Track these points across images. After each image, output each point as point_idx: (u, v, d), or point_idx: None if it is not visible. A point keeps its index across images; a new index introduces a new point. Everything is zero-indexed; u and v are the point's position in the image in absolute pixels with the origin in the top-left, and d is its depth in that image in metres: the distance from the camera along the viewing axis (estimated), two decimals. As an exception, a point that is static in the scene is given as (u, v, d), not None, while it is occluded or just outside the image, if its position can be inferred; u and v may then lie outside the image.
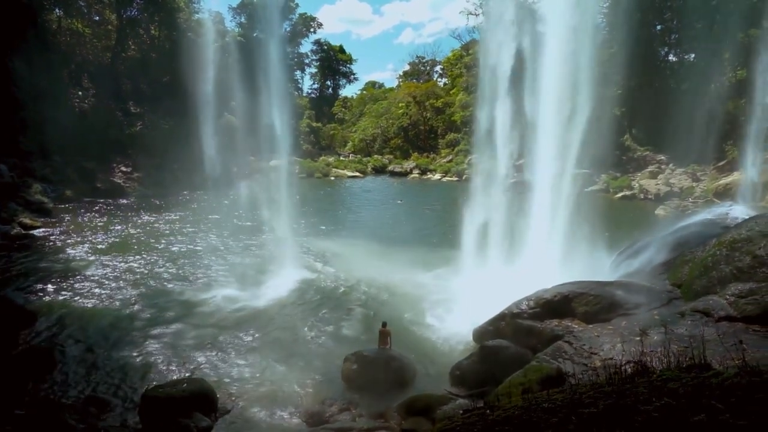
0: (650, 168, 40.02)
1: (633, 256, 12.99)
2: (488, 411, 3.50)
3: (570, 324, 9.62)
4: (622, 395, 3.05)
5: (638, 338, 7.52)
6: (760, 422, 2.31)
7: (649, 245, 12.90)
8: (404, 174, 59.04)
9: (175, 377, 9.17)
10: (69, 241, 20.05)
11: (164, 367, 9.87)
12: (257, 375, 9.70)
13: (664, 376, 3.36)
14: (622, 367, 4.20)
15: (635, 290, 10.17)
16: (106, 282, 15.07)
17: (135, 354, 10.38)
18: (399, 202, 39.05)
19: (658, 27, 44.92)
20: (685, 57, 44.73)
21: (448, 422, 3.56)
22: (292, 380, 9.54)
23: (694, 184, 36.02)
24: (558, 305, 10.04)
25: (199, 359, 10.25)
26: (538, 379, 6.42)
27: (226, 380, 9.39)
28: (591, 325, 9.31)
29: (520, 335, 9.97)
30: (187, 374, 9.48)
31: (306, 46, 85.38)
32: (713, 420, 2.41)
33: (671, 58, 46.15)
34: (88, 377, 9.35)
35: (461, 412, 4.61)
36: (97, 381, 9.24)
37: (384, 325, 10.71)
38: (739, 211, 15.53)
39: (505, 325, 10.35)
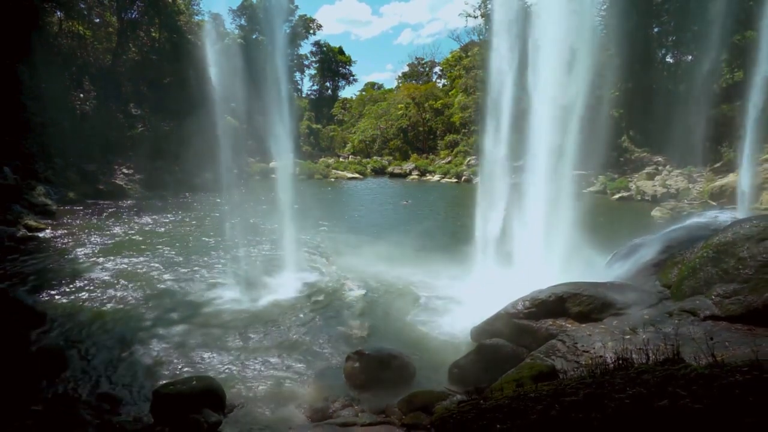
0: (647, 169, 40.41)
1: (626, 258, 13.34)
2: (482, 401, 3.86)
3: (564, 323, 9.96)
4: (600, 385, 3.41)
5: (627, 336, 7.89)
6: (714, 405, 2.67)
7: (641, 247, 13.27)
8: (404, 175, 59.41)
9: (183, 375, 9.49)
10: (74, 242, 20.38)
11: (173, 365, 10.21)
12: (262, 373, 10.04)
13: (640, 369, 3.72)
14: (606, 363, 4.58)
15: (627, 291, 10.53)
16: (113, 282, 15.40)
17: (144, 353, 10.73)
18: (404, 203, 38.39)
19: (656, 29, 45.33)
20: (683, 59, 45.19)
21: (445, 411, 3.91)
22: (295, 378, 9.89)
23: (691, 186, 36.42)
24: (553, 305, 10.37)
25: (206, 358, 10.60)
26: (531, 376, 6.76)
27: (233, 378, 9.73)
28: (584, 325, 9.65)
29: (516, 334, 10.31)
30: (195, 371, 9.82)
31: (305, 48, 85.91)
32: (675, 405, 2.77)
33: (669, 59, 46.62)
34: (99, 375, 9.68)
35: (457, 403, 4.98)
36: (108, 379, 9.57)
37: None
38: (729, 214, 15.90)
39: (502, 324, 10.68)
